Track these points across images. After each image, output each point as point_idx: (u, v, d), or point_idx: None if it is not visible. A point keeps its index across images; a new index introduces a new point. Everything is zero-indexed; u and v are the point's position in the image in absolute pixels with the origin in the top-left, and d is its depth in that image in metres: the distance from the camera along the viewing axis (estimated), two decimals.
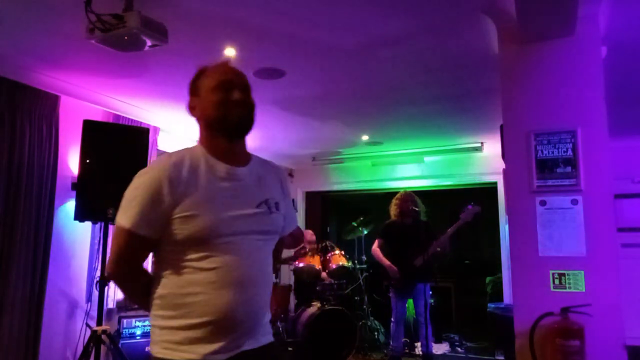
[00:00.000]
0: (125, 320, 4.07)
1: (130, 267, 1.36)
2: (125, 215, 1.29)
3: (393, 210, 4.73)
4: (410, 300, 4.84)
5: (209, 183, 1.33)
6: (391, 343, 4.72)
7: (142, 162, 3.64)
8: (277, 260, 1.68)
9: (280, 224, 1.47)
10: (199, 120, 1.43)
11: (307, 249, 5.36)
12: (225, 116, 1.36)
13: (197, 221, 1.28)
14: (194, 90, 1.44)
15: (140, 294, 1.39)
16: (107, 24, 2.27)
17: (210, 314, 1.26)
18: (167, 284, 1.31)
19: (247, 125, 1.40)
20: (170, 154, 1.38)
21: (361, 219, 5.78)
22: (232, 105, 1.36)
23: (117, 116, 4.22)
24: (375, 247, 4.75)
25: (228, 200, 1.33)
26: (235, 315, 1.28)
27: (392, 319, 4.61)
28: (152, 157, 4.48)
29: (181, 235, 1.28)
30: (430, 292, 4.76)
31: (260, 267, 1.37)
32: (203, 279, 1.28)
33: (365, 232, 5.77)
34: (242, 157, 1.44)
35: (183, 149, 1.40)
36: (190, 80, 1.46)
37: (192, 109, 1.45)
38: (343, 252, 5.56)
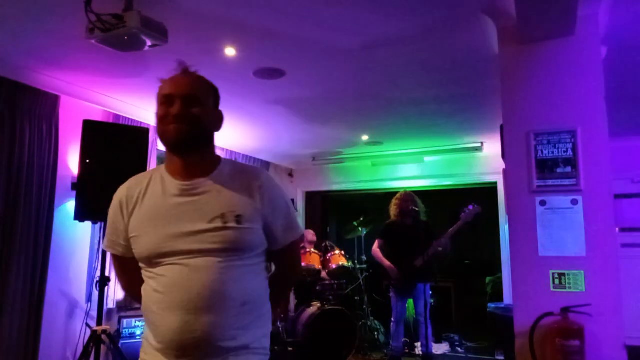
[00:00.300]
0: (125, 320, 4.07)
1: (127, 280, 1.47)
2: (105, 239, 1.43)
3: (393, 210, 4.73)
4: (411, 300, 4.84)
5: (157, 202, 1.32)
6: (391, 343, 4.72)
7: (142, 162, 3.64)
8: (285, 280, 1.55)
9: (245, 239, 1.29)
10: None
11: (307, 249, 5.36)
12: (164, 132, 1.30)
13: (140, 242, 1.30)
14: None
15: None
16: (107, 24, 2.27)
17: (160, 336, 1.25)
18: (143, 298, 1.34)
19: (187, 140, 1.29)
20: (138, 175, 1.42)
21: (361, 219, 5.78)
22: (170, 121, 1.29)
23: (117, 116, 4.22)
24: (375, 247, 4.75)
25: (173, 219, 1.27)
26: (180, 340, 1.21)
27: (392, 319, 4.61)
28: (152, 157, 4.48)
29: (136, 255, 1.33)
30: (430, 292, 4.76)
31: (216, 288, 1.23)
32: (156, 299, 1.27)
33: (365, 232, 5.77)
34: (199, 171, 1.33)
35: (154, 168, 1.44)
36: None
37: None
38: (343, 252, 5.56)
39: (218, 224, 1.26)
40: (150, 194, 1.34)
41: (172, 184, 1.32)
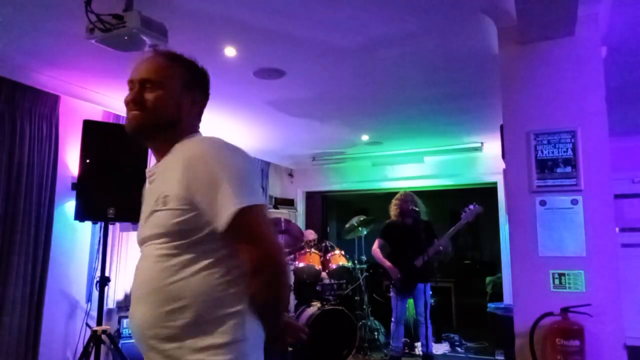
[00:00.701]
0: (125, 320, 4.07)
1: None
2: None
3: (393, 210, 4.73)
4: (411, 300, 4.84)
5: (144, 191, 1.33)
6: (391, 343, 4.72)
7: (142, 162, 3.64)
8: (252, 279, 1.16)
9: (170, 221, 1.14)
10: None
11: (307, 250, 5.36)
12: (127, 119, 1.25)
13: None
14: None
15: None
16: (107, 24, 2.27)
17: None
18: None
19: (140, 127, 1.22)
20: None
21: (361, 219, 5.77)
22: (127, 108, 1.24)
23: (117, 116, 4.22)
24: (375, 247, 4.75)
25: (144, 207, 1.27)
26: (130, 327, 1.23)
27: (393, 319, 4.61)
28: (152, 157, 4.47)
29: None
30: (431, 292, 4.76)
31: (147, 279, 1.17)
32: None
33: (365, 232, 5.77)
34: (161, 157, 1.27)
35: None
36: None
37: None
38: (343, 252, 5.56)
39: (152, 207, 1.19)
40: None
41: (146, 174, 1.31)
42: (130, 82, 1.25)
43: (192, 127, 1.31)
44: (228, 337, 1.12)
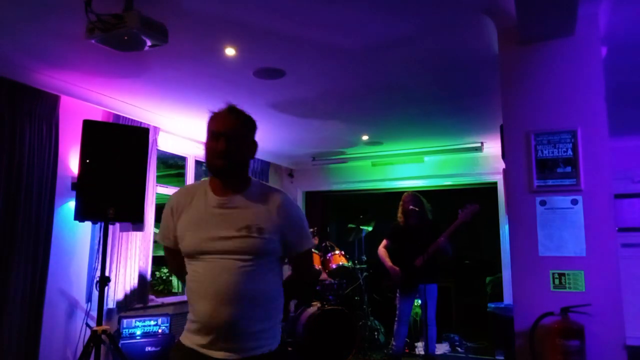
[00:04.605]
0: (125, 320, 4.07)
1: (176, 265, 1.76)
2: (159, 233, 1.76)
3: (398, 211, 4.74)
4: (417, 301, 4.82)
5: (200, 211, 1.65)
6: (392, 341, 4.71)
7: (142, 162, 3.64)
8: (299, 279, 1.92)
9: (262, 247, 1.60)
10: None
11: None
12: (210, 164, 1.64)
13: (185, 240, 1.64)
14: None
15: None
16: (107, 24, 2.27)
17: (197, 317, 1.59)
18: (187, 283, 1.68)
19: (228, 172, 1.64)
20: (187, 185, 1.73)
21: (361, 216, 5.77)
22: (216, 156, 1.61)
23: (117, 116, 4.21)
24: (381, 247, 4.74)
25: (211, 225, 1.61)
26: (210, 322, 1.56)
27: (396, 318, 4.60)
28: (152, 157, 4.48)
29: (181, 249, 1.66)
30: (436, 294, 4.72)
31: (235, 283, 1.56)
32: (192, 287, 1.63)
33: (366, 233, 5.76)
34: (234, 189, 1.66)
35: (200, 181, 1.77)
36: None
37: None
38: (343, 252, 5.56)
39: (244, 232, 1.59)
40: (195, 204, 1.67)
41: (213, 199, 1.65)
42: (216, 134, 1.62)
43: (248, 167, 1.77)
44: (278, 318, 1.70)
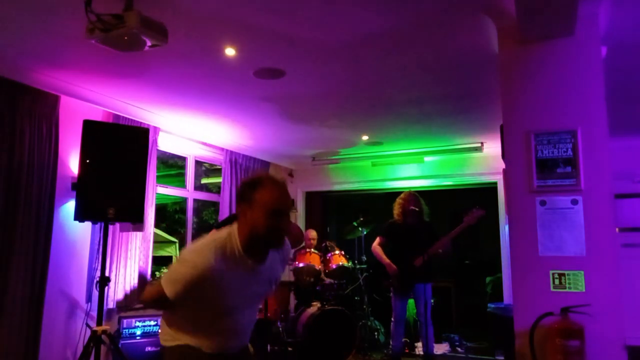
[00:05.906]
0: (125, 320, 4.07)
1: (157, 307, 1.90)
2: (172, 288, 1.69)
3: (395, 209, 4.73)
4: (411, 300, 4.83)
5: (243, 275, 1.76)
6: (391, 342, 4.72)
7: (142, 162, 3.64)
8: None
9: (271, 292, 2.17)
10: (246, 224, 1.71)
11: (308, 250, 5.36)
12: (271, 239, 1.74)
13: (227, 299, 1.75)
14: (248, 198, 1.70)
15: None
16: (107, 24, 2.27)
17: (210, 347, 1.82)
18: (193, 318, 1.84)
19: (280, 245, 1.85)
20: (214, 245, 1.69)
21: (361, 219, 5.77)
22: (275, 234, 1.73)
23: (117, 116, 4.21)
24: (375, 244, 4.74)
25: (252, 284, 1.82)
26: (225, 350, 1.87)
27: (392, 319, 4.61)
28: (152, 157, 4.48)
29: (209, 306, 1.76)
30: (431, 293, 4.75)
31: (252, 322, 2.00)
32: (203, 325, 1.82)
33: (365, 232, 5.77)
34: (264, 255, 1.81)
35: (224, 237, 1.73)
36: (244, 184, 1.77)
37: (242, 214, 1.72)
38: (343, 252, 5.56)
39: (267, 286, 1.93)
40: (234, 268, 1.71)
41: (249, 262, 1.75)
42: (279, 212, 1.70)
43: None
44: None
